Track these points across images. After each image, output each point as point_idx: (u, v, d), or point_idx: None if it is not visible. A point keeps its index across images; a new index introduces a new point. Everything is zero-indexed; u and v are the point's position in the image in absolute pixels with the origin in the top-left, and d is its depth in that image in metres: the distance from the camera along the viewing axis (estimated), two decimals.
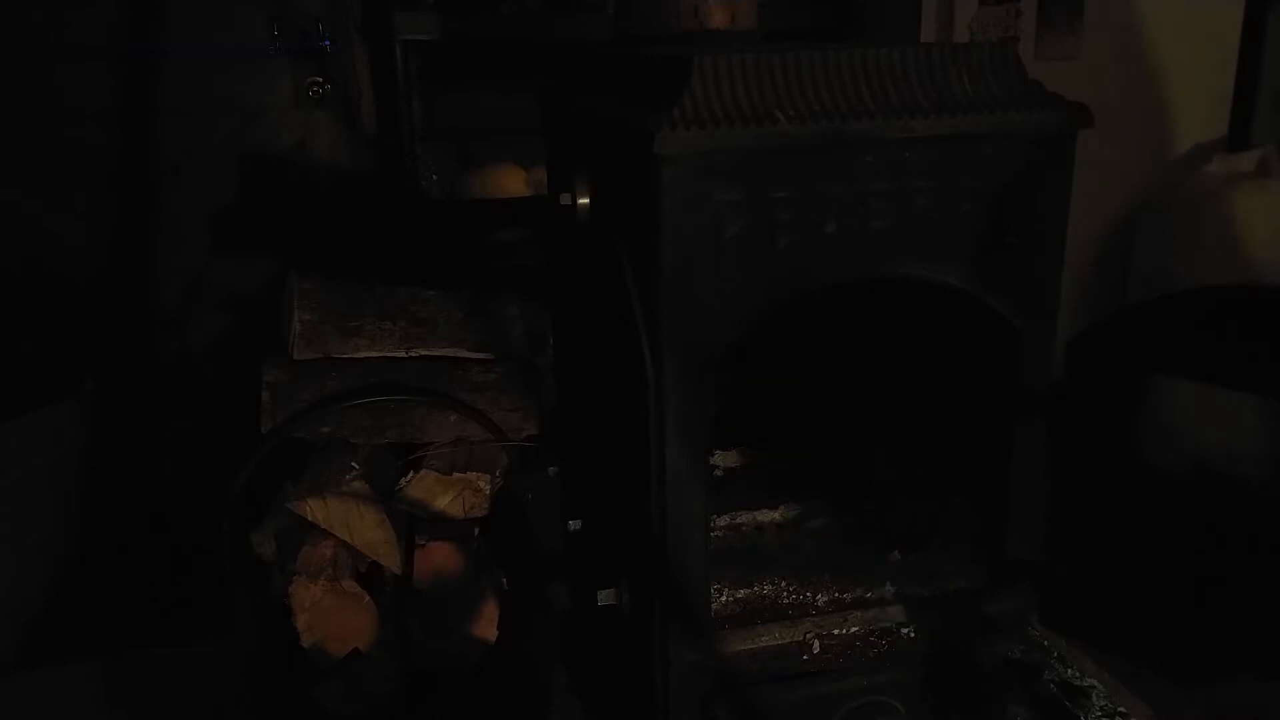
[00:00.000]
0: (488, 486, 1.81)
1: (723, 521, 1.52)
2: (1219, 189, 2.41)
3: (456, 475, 1.80)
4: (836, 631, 1.29)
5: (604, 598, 1.30)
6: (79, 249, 2.61)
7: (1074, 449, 1.97)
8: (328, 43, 2.62)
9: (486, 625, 1.72)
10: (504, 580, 1.78)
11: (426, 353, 1.94)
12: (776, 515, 1.55)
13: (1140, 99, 2.56)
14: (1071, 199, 1.18)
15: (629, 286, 1.13)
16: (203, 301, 2.70)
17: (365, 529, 1.71)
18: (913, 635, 1.30)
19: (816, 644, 1.27)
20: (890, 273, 1.15)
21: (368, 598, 1.68)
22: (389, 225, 2.63)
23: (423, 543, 1.75)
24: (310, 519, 1.70)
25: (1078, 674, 1.49)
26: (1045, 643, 1.51)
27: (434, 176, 2.66)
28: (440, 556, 1.74)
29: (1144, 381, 2.00)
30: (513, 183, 2.63)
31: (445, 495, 1.80)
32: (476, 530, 1.83)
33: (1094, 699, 1.46)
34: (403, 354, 1.92)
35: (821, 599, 1.32)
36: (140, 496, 2.48)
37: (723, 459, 1.67)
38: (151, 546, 2.33)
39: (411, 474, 1.80)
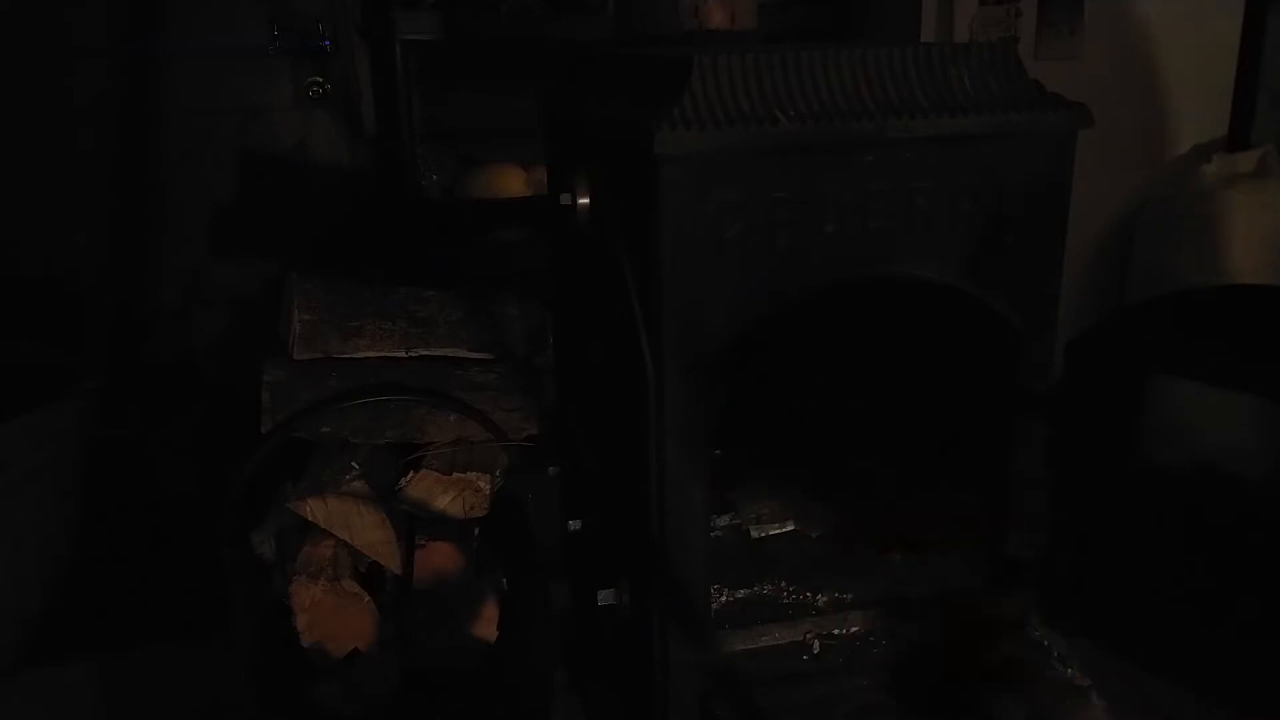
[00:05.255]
0: (488, 486, 1.81)
1: (723, 521, 1.52)
2: (1219, 189, 2.41)
3: (456, 475, 1.80)
4: (836, 631, 1.29)
5: (604, 598, 1.30)
6: (79, 249, 2.61)
7: (1074, 449, 1.97)
8: (328, 43, 2.62)
9: (486, 625, 1.72)
10: (504, 580, 1.78)
11: (426, 353, 1.94)
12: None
13: (1140, 99, 2.56)
14: (1071, 199, 1.18)
15: (629, 286, 1.13)
16: (203, 301, 2.70)
17: (366, 529, 1.71)
18: (912, 635, 1.30)
19: (816, 644, 1.28)
20: (890, 272, 1.16)
21: (368, 598, 1.68)
22: (389, 225, 2.63)
23: (423, 543, 1.75)
24: (311, 519, 1.70)
25: (1077, 674, 1.49)
26: (1045, 643, 1.51)
27: (434, 176, 2.66)
28: (440, 556, 1.74)
29: (1144, 381, 2.00)
30: (513, 183, 2.63)
31: (445, 495, 1.80)
32: (476, 530, 1.83)
33: (1093, 699, 1.46)
34: (403, 354, 1.92)
35: (821, 599, 1.32)
36: (140, 496, 2.48)
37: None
38: (151, 546, 2.33)
39: (411, 474, 1.80)
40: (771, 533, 1.52)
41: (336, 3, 2.61)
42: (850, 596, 1.33)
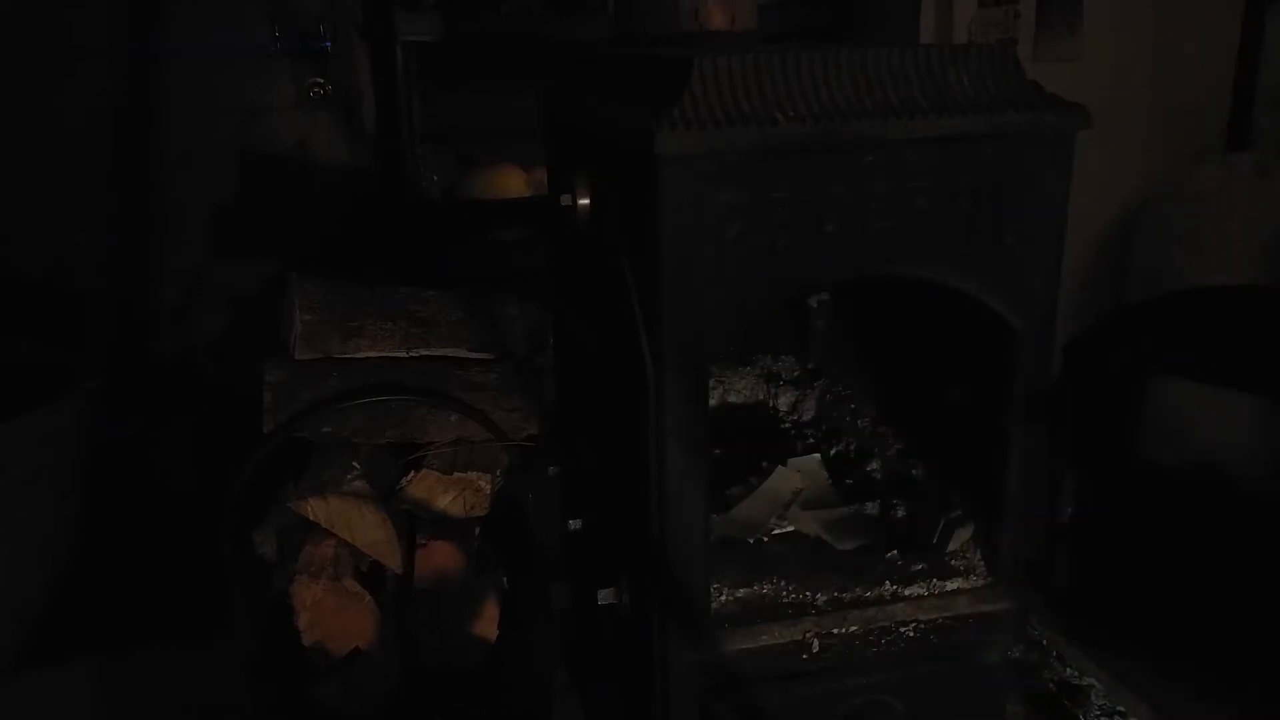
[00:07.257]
0: (488, 486, 1.81)
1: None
2: (1219, 189, 2.42)
3: (457, 475, 1.80)
4: (836, 631, 1.29)
5: (604, 598, 1.30)
6: (79, 249, 2.62)
7: (1074, 449, 1.97)
8: (328, 43, 2.62)
9: (487, 624, 1.72)
10: (504, 580, 1.78)
11: (427, 353, 1.94)
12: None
13: (1140, 99, 2.57)
14: (1071, 199, 1.18)
15: (629, 287, 1.13)
16: (203, 301, 2.71)
17: (367, 528, 1.71)
18: (912, 635, 1.30)
19: (816, 644, 1.27)
20: (890, 273, 1.16)
21: (369, 597, 1.68)
22: (389, 225, 2.64)
23: (424, 542, 1.75)
24: (312, 518, 1.70)
25: (1076, 673, 1.50)
26: (1044, 642, 1.52)
27: (434, 177, 2.66)
28: (441, 556, 1.75)
29: (1144, 381, 2.00)
30: (513, 183, 2.63)
31: (446, 495, 1.80)
32: (477, 530, 1.83)
33: (1092, 698, 1.46)
34: (403, 354, 1.92)
35: (821, 599, 1.32)
36: (140, 496, 2.48)
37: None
38: (152, 547, 2.33)
39: (412, 474, 1.80)
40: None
41: (337, 3, 2.61)
42: (850, 596, 1.32)
